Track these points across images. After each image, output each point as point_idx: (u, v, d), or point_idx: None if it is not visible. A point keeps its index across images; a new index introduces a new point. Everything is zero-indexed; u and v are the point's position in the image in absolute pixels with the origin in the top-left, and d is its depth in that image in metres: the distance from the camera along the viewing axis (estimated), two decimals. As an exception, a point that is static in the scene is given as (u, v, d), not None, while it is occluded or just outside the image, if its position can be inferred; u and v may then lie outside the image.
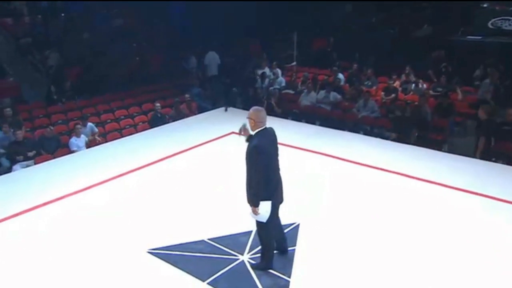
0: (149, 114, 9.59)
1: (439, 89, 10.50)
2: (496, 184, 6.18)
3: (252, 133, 4.20)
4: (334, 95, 10.70)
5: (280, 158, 4.35)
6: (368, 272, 4.37)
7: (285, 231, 4.93)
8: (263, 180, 4.06)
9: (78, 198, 5.94)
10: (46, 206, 5.70)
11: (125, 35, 13.91)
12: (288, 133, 7.66)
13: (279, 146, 4.38)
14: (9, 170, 7.41)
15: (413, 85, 10.77)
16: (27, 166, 7.36)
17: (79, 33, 12.97)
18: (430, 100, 10.01)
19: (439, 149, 8.43)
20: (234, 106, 9.87)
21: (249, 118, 4.16)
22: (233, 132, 7.83)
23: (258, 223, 4.26)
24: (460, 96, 10.15)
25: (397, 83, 11.15)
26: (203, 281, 4.26)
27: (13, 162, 7.52)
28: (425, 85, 10.62)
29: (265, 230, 4.30)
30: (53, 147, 7.93)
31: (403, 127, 9.17)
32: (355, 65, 11.90)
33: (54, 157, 7.53)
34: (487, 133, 7.57)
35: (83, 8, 13.73)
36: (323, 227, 5.19)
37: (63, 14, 13.47)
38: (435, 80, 10.93)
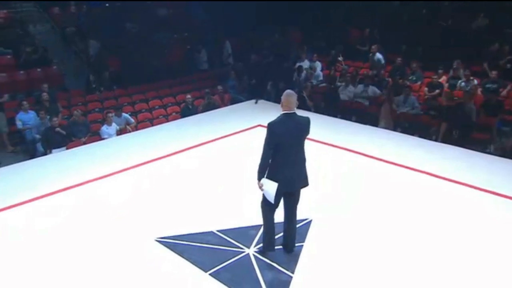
0: (182, 105, 9.88)
1: (490, 85, 10.08)
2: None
3: None
4: (373, 89, 10.55)
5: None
6: (372, 274, 4.35)
7: (297, 226, 5.00)
8: (264, 156, 4.33)
9: (100, 184, 6.26)
10: (67, 191, 6.06)
11: (168, 25, 14.36)
12: (318, 128, 7.70)
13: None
14: (44, 154, 7.97)
15: (461, 80, 10.39)
16: (60, 151, 7.87)
17: (122, 22, 13.48)
18: (477, 97, 9.67)
19: (483, 150, 8.20)
20: (266, 99, 9.95)
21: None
22: (259, 125, 7.94)
23: (262, 200, 4.51)
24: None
25: (443, 78, 10.80)
26: (205, 271, 4.39)
27: (48, 147, 8.05)
28: (476, 81, 10.17)
29: (263, 210, 4.55)
30: (83, 133, 8.38)
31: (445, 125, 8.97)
32: (399, 59, 11.59)
33: (85, 144, 7.99)
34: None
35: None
36: (336, 226, 5.19)
37: (107, 4, 14.02)
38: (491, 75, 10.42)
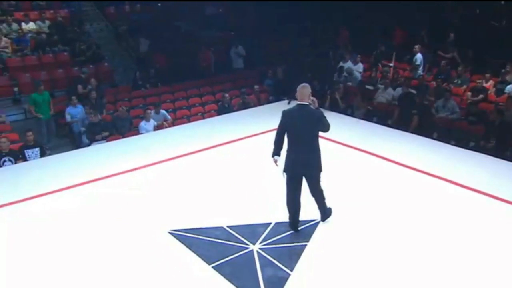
0: (219, 103, 10.27)
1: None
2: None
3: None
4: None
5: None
6: (369, 277, 4.45)
7: (304, 226, 5.28)
8: (276, 136, 5.10)
9: (130, 175, 6.72)
10: (103, 180, 6.58)
11: (215, 23, 14.86)
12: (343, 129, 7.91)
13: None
14: (88, 145, 8.64)
15: (510, 85, 9.99)
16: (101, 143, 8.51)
17: (171, 21, 14.14)
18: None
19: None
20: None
21: None
22: None
23: None
24: None
25: (490, 83, 10.46)
26: (209, 264, 4.68)
27: (91, 140, 8.71)
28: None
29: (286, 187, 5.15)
30: (126, 128, 8.97)
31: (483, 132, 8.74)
32: (443, 62, 11.32)
33: (123, 137, 8.58)
34: None
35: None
36: (343, 228, 5.30)
37: (159, 4, 14.73)
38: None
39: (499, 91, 10.06)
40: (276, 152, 5.13)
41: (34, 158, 7.54)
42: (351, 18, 14.42)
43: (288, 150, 5.00)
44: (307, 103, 4.95)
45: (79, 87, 10.21)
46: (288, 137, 4.98)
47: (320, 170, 5.10)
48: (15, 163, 7.27)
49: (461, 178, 6.46)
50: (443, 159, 7.23)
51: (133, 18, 13.87)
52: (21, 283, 4.48)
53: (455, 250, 4.88)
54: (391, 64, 12.12)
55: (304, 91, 4.92)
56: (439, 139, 9.04)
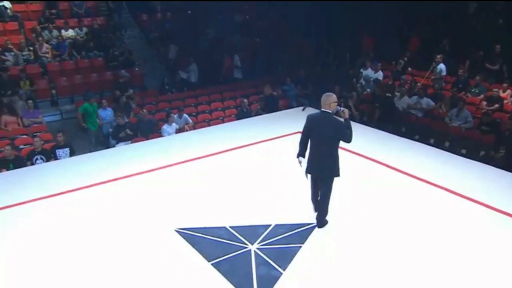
0: (239, 108, 10.59)
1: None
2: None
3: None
4: (427, 101, 10.41)
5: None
6: (358, 281, 4.67)
7: (301, 229, 5.56)
8: (301, 137, 5.50)
9: (148, 177, 7.09)
10: (125, 179, 7.00)
11: (243, 30, 15.18)
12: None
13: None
14: (114, 146, 9.14)
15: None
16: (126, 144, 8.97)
17: (200, 28, 14.55)
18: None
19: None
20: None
21: None
22: (299, 132, 8.35)
23: None
24: None
25: (508, 93, 10.34)
26: (209, 261, 4.99)
27: (117, 141, 9.19)
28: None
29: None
30: (149, 131, 9.41)
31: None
32: (460, 71, 11.25)
33: (147, 139, 9.01)
34: None
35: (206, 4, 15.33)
36: (337, 233, 5.51)
37: (189, 12, 15.18)
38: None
39: (516, 101, 10.00)
40: (300, 153, 5.49)
41: (64, 157, 8.06)
42: (375, 26, 14.47)
43: (309, 151, 5.43)
44: (329, 111, 5.25)
45: (117, 92, 10.84)
46: (311, 139, 5.38)
47: (333, 176, 5.40)
48: (47, 161, 7.81)
49: (458, 186, 6.55)
50: (448, 169, 7.26)
51: (164, 25, 14.35)
52: (50, 259, 4.96)
53: (445, 255, 5.03)
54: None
55: (324, 99, 5.29)
56: (450, 148, 9.15)
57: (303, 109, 9.87)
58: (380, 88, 10.26)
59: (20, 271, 4.91)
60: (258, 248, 5.25)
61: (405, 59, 12.68)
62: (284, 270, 4.87)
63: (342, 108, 5.46)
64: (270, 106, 10.55)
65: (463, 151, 8.98)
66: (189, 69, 12.50)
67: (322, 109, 5.29)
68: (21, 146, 8.80)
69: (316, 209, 5.73)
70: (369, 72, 12.40)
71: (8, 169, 7.43)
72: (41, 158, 7.76)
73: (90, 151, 8.80)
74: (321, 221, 5.61)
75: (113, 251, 5.24)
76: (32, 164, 7.73)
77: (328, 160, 5.36)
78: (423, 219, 5.80)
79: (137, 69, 12.75)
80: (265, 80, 12.25)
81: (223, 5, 15.41)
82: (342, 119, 5.32)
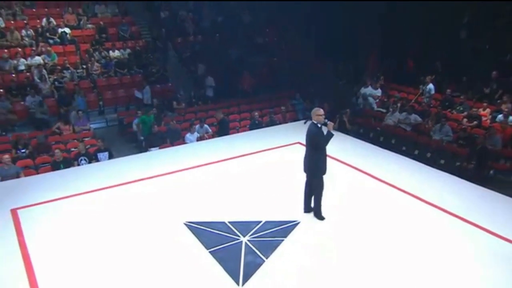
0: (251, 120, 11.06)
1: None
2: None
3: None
4: (415, 117, 10.63)
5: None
6: (328, 274, 5.04)
7: (285, 226, 5.98)
8: None
9: (171, 177, 7.59)
10: (146, 180, 7.50)
11: (263, 50, 15.65)
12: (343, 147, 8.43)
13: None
14: (145, 151, 9.73)
15: (501, 115, 9.92)
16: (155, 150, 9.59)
17: (226, 49, 15.10)
18: (508, 130, 9.32)
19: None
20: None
21: None
22: (299, 142, 8.73)
23: None
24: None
25: (487, 111, 10.43)
26: (207, 249, 5.49)
27: (149, 146, 9.81)
28: (511, 117, 9.70)
29: None
30: (175, 138, 10.00)
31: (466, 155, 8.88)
32: (448, 90, 11.36)
33: (172, 146, 9.59)
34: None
35: (232, 28, 15.88)
36: (316, 231, 5.88)
37: (217, 34, 15.76)
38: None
39: (494, 119, 10.06)
40: None
41: (104, 160, 8.73)
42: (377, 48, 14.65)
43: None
44: (315, 122, 5.87)
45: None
46: None
47: (314, 176, 5.94)
48: (89, 162, 8.52)
49: (427, 195, 6.79)
50: (420, 179, 7.47)
51: (194, 47, 14.96)
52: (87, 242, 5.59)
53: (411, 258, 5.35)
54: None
55: (313, 112, 5.98)
56: (431, 158, 9.37)
57: (305, 122, 10.15)
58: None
59: (64, 249, 5.55)
60: (248, 240, 5.71)
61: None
62: (266, 258, 5.33)
63: (328, 121, 5.92)
64: (223, 130, 10.12)
65: (442, 161, 9.21)
66: (143, 90, 12.31)
67: (311, 121, 5.91)
68: (72, 149, 9.54)
69: (305, 210, 6.20)
70: (369, 90, 12.62)
71: (58, 169, 8.14)
72: (85, 160, 8.46)
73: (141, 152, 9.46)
74: (316, 215, 6.11)
75: (134, 236, 5.82)
76: (78, 164, 8.43)
77: (309, 162, 5.97)
78: (394, 222, 6.10)
79: (170, 84, 13.41)
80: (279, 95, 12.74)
81: (248, 28, 16.02)
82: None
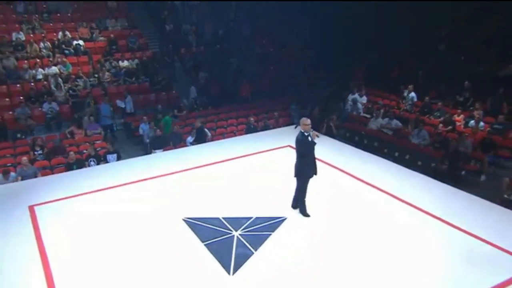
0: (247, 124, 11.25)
1: (497, 126, 9.75)
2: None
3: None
4: (396, 122, 10.80)
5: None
6: (310, 268, 5.23)
7: (273, 222, 6.19)
8: None
9: (174, 177, 7.75)
10: (151, 180, 7.71)
11: (261, 60, 15.81)
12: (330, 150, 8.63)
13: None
14: (150, 153, 9.94)
15: (473, 121, 10.12)
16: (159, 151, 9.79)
17: (227, 58, 15.28)
18: (479, 135, 9.52)
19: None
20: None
21: None
22: (289, 145, 8.91)
23: None
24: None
25: (461, 117, 10.61)
26: (202, 242, 5.71)
27: (153, 148, 10.02)
28: (482, 123, 9.90)
29: None
30: (178, 141, 10.19)
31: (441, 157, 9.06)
32: (426, 98, 11.55)
33: (175, 148, 9.80)
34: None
35: (232, 40, 16.06)
36: (300, 227, 6.06)
37: (218, 46, 15.94)
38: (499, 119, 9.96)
39: (466, 124, 10.24)
40: None
41: (112, 161, 8.93)
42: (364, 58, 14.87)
43: None
44: (302, 131, 6.06)
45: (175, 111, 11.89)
46: None
47: (298, 178, 6.21)
48: (98, 164, 8.70)
49: (399, 193, 7.00)
50: (396, 179, 7.65)
51: (197, 57, 15.14)
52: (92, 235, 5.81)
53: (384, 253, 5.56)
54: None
55: (300, 121, 6.14)
56: (409, 160, 9.54)
57: (295, 127, 10.35)
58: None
59: (76, 241, 5.80)
60: (240, 234, 5.91)
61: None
62: (255, 250, 5.54)
63: (312, 131, 6.09)
64: (200, 137, 10.08)
65: (419, 163, 9.37)
66: (125, 100, 12.21)
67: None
68: (84, 151, 9.73)
69: (292, 205, 6.44)
70: (356, 96, 12.80)
71: (71, 170, 8.36)
72: (93, 161, 8.66)
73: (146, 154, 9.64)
74: (301, 212, 6.33)
75: (139, 230, 6.05)
76: (88, 165, 8.64)
77: (296, 165, 6.19)
78: (372, 219, 6.28)
79: (174, 92, 13.61)
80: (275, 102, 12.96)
81: (247, 39, 16.20)
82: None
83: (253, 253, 5.51)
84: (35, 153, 9.38)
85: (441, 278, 5.02)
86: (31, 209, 6.70)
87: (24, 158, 8.41)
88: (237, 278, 5.08)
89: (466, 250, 5.52)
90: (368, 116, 11.90)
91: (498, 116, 9.81)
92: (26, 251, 5.61)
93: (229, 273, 5.14)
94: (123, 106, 12.27)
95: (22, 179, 8.01)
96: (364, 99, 12.78)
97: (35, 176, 8.18)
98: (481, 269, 5.12)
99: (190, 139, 10.00)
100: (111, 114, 11.13)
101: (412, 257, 5.38)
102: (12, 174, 8.03)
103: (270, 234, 5.90)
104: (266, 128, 10.84)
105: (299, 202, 6.37)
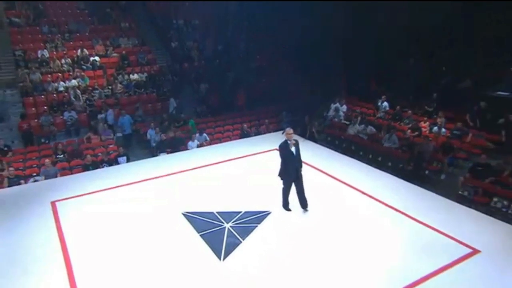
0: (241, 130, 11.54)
1: (456, 132, 10.08)
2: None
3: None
4: (370, 128, 11.11)
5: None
6: (295, 251, 5.56)
7: (259, 215, 6.43)
8: None
9: (174, 176, 8.04)
10: (156, 179, 7.97)
11: (255, 73, 16.09)
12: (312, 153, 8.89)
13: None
14: (156, 155, 10.21)
15: (436, 127, 10.45)
16: (164, 154, 10.08)
17: (224, 72, 15.57)
18: (441, 139, 9.84)
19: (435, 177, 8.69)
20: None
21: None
22: (275, 149, 9.14)
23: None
24: (468, 139, 9.65)
25: (427, 123, 10.93)
26: (198, 233, 6.00)
27: (159, 152, 10.30)
28: (443, 129, 10.23)
29: None
30: (180, 145, 10.47)
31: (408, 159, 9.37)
32: (397, 107, 11.87)
33: (178, 151, 10.05)
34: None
35: (230, 55, 16.33)
36: (284, 221, 6.33)
37: (217, 60, 16.24)
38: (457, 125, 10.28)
39: (431, 130, 10.55)
40: None
41: (123, 163, 9.18)
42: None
43: None
44: (285, 139, 6.34)
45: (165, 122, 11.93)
46: None
47: (280, 176, 6.46)
48: (110, 165, 8.93)
49: (368, 189, 7.27)
50: (368, 178, 7.89)
51: (198, 70, 15.43)
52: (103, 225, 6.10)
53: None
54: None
55: (285, 130, 6.55)
56: (381, 161, 9.86)
57: (283, 133, 10.59)
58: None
59: (92, 235, 6.09)
60: (230, 226, 6.20)
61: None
62: (243, 240, 5.83)
63: (290, 140, 6.36)
64: (175, 146, 10.16)
65: (389, 164, 9.70)
66: (106, 113, 11.85)
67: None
68: (99, 154, 9.99)
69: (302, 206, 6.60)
70: (337, 105, 13.09)
71: (88, 170, 8.66)
72: (106, 163, 8.93)
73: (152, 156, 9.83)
74: (284, 207, 6.57)
75: (144, 222, 6.32)
76: (102, 166, 8.94)
77: (280, 167, 6.47)
78: (347, 213, 6.54)
79: (178, 100, 13.86)
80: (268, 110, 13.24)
81: (242, 55, 16.48)
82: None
83: (241, 242, 5.79)
84: (57, 156, 9.67)
85: (398, 260, 5.33)
86: (53, 204, 6.98)
87: (47, 160, 8.69)
88: (227, 263, 5.38)
89: (421, 238, 5.83)
90: (347, 122, 12.20)
91: (456, 123, 10.12)
92: (48, 238, 5.93)
93: (220, 259, 5.43)
94: (103, 118, 11.64)
95: (45, 179, 8.28)
96: (344, 108, 13.08)
97: (56, 176, 8.44)
98: (432, 254, 5.43)
99: (191, 143, 10.29)
100: (131, 124, 11.29)
101: (374, 243, 5.70)
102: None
103: (256, 226, 6.18)
104: (258, 133, 11.13)
105: (282, 198, 6.61)
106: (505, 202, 7.08)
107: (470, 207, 6.96)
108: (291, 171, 6.39)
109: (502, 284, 4.82)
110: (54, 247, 5.73)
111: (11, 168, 8.69)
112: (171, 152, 9.98)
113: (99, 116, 11.77)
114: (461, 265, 5.13)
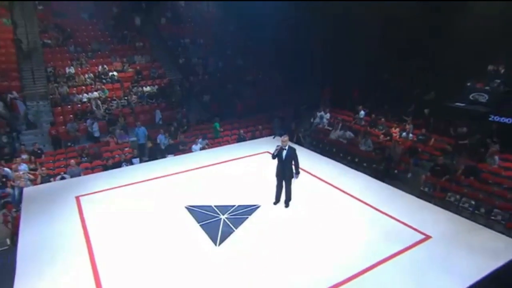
0: (238, 135, 11.83)
1: (421, 137, 10.40)
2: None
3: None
4: (349, 134, 11.40)
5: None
6: (279, 239, 5.86)
7: (251, 208, 6.69)
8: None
9: (179, 176, 8.24)
10: (164, 177, 8.16)
11: (251, 85, 16.42)
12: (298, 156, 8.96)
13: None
14: (164, 157, 10.38)
15: (405, 132, 10.78)
16: (171, 156, 10.36)
17: (224, 84, 15.88)
18: (408, 143, 10.14)
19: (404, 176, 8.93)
20: (280, 136, 11.16)
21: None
22: (267, 152, 9.48)
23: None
24: (431, 143, 9.97)
25: (397, 130, 11.22)
26: (198, 223, 6.28)
27: (168, 154, 10.59)
28: (411, 134, 10.55)
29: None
30: (185, 148, 10.76)
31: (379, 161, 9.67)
32: (373, 115, 12.18)
33: (183, 153, 10.37)
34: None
35: (229, 70, 16.65)
36: (272, 213, 6.58)
37: (218, 74, 16.56)
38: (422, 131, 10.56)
39: (401, 135, 10.86)
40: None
41: (136, 163, 9.42)
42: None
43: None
44: (281, 145, 6.49)
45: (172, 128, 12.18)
46: None
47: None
48: (127, 165, 9.27)
49: (346, 187, 7.50)
50: (346, 177, 8.14)
51: (202, 83, 15.72)
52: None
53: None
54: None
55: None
56: (358, 162, 10.13)
57: (273, 137, 10.89)
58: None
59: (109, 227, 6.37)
60: (225, 217, 6.47)
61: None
62: (236, 228, 6.12)
63: (283, 146, 6.51)
64: (153, 154, 10.14)
65: (365, 164, 9.99)
66: (93, 125, 11.74)
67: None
68: (116, 156, 10.31)
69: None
70: (322, 113, 13.40)
71: (107, 170, 8.93)
72: (124, 162, 9.23)
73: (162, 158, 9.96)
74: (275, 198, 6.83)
75: (154, 214, 6.58)
76: (120, 166, 9.23)
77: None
78: (326, 208, 6.72)
79: (184, 109, 14.17)
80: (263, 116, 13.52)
81: (240, 69, 16.78)
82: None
83: (234, 230, 6.09)
84: (81, 158, 9.98)
85: (363, 245, 5.66)
86: (77, 198, 7.24)
87: (72, 161, 9.00)
88: (221, 248, 5.68)
89: (385, 227, 6.14)
90: (330, 128, 12.51)
91: (422, 129, 10.43)
92: (72, 228, 6.22)
93: (216, 245, 5.73)
94: (90, 130, 11.73)
95: (71, 177, 8.58)
96: (328, 115, 13.38)
97: (80, 175, 8.74)
98: (392, 239, 5.75)
99: (195, 146, 10.58)
100: (146, 135, 11.25)
101: (345, 230, 6.01)
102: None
103: (247, 217, 6.45)
104: (253, 138, 11.39)
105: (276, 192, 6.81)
106: (458, 197, 7.37)
107: (429, 201, 7.21)
108: (279, 171, 6.64)
109: (448, 263, 5.14)
110: (77, 236, 6.00)
111: (43, 168, 9.02)
112: (178, 154, 10.25)
113: (88, 125, 11.66)
114: (415, 249, 5.45)
